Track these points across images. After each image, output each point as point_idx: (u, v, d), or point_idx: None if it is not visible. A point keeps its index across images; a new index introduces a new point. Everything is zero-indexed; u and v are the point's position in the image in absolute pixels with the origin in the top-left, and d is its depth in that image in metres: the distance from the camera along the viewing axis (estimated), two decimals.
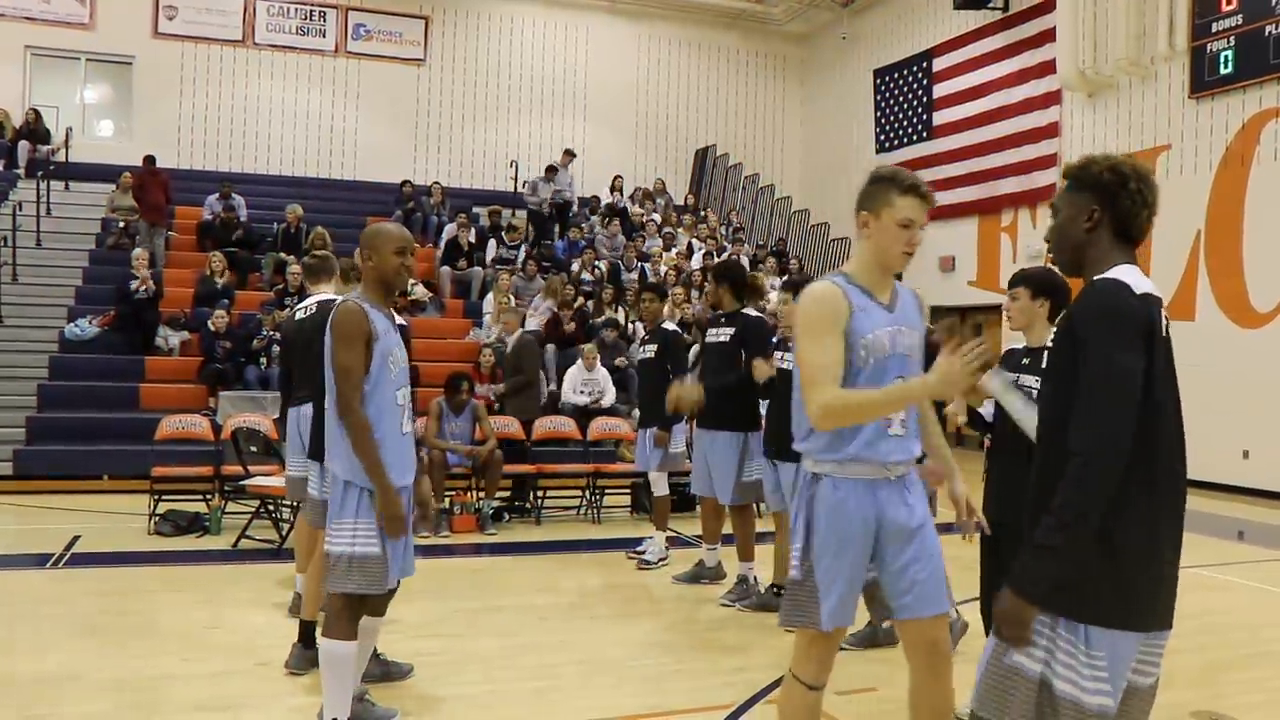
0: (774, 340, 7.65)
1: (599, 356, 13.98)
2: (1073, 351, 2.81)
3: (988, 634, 5.11)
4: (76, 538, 9.60)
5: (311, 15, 22.96)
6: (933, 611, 3.81)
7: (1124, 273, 2.87)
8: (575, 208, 21.28)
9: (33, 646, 6.25)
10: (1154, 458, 2.82)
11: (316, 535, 5.88)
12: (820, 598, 3.71)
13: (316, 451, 5.90)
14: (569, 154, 21.62)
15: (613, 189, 22.28)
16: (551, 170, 21.16)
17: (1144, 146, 16.54)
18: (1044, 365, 4.34)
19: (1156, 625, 2.89)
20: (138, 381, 14.16)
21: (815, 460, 3.76)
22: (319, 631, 4.82)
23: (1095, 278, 2.89)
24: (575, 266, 18.54)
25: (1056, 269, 5.37)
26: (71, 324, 14.90)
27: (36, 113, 20.20)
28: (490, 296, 16.54)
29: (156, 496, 10.22)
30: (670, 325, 9.34)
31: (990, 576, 5.09)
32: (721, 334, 8.10)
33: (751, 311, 8.19)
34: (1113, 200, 2.93)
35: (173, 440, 11.15)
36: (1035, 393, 4.79)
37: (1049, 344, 4.87)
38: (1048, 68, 18.37)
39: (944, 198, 20.78)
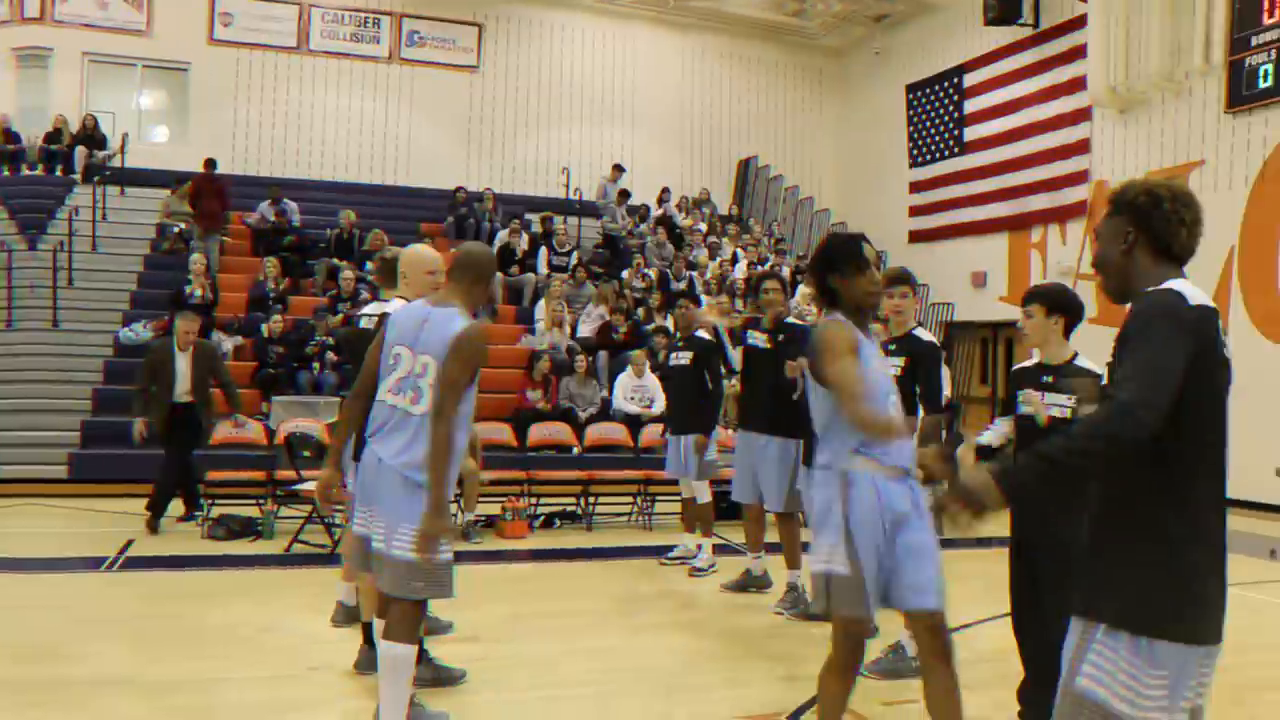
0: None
1: (649, 363, 13.98)
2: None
3: (1020, 652, 5.07)
4: (131, 541, 9.71)
5: (365, 22, 23.10)
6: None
7: (1176, 284, 2.87)
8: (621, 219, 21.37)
9: (87, 649, 6.30)
10: (1217, 474, 2.86)
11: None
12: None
13: None
14: (618, 168, 21.95)
15: (659, 200, 22.37)
16: (618, 169, 21.67)
17: (1176, 162, 16.28)
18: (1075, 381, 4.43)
19: (1215, 638, 2.86)
20: None
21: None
22: (379, 635, 4.81)
23: (1147, 289, 2.90)
24: (625, 274, 18.57)
25: (1071, 288, 5.40)
26: (126, 328, 15.06)
27: (94, 118, 20.46)
28: (542, 303, 16.58)
29: (210, 501, 10.32)
30: (704, 333, 9.31)
31: (1021, 594, 5.07)
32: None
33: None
34: (1146, 220, 2.95)
35: (226, 445, 11.24)
36: (1068, 410, 4.88)
37: (1069, 361, 4.89)
38: (1078, 84, 18.17)
39: (975, 213, 20.81)
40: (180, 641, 6.55)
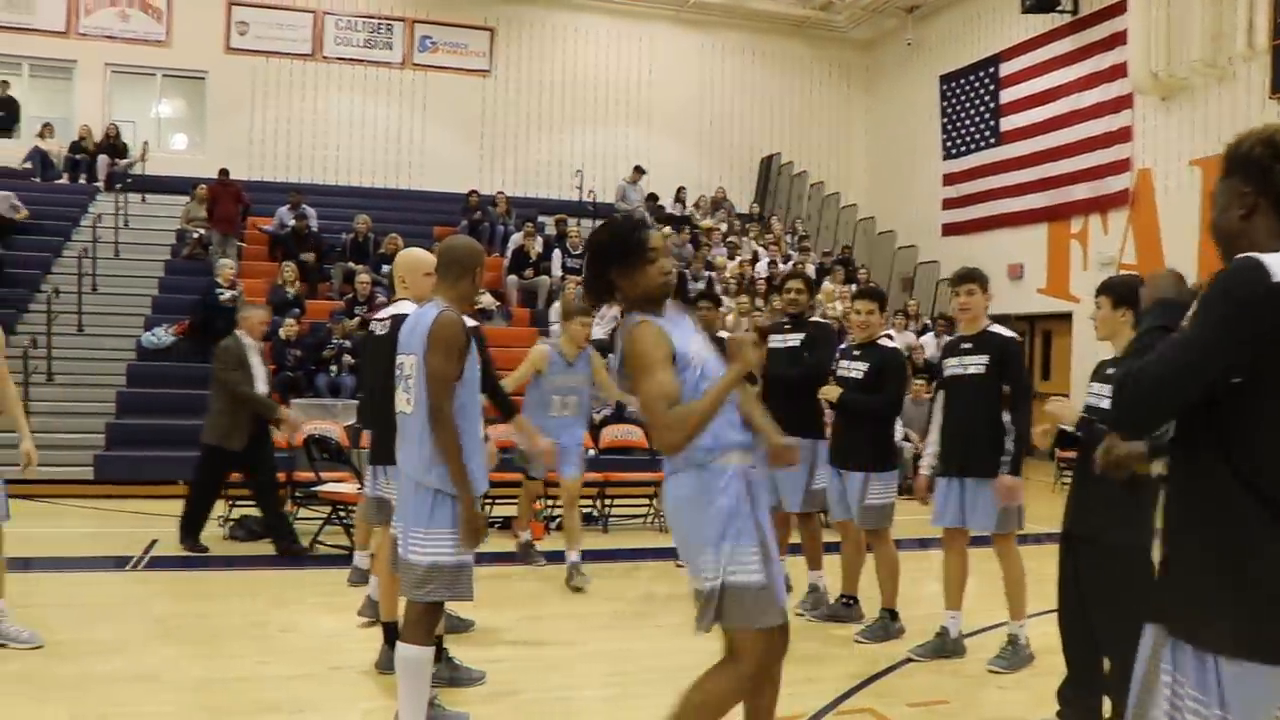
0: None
1: None
2: None
3: (1064, 651, 5.03)
4: (154, 541, 9.78)
5: (379, 28, 23.23)
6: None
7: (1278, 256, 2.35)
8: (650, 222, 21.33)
9: (112, 647, 6.39)
10: None
11: (382, 535, 5.99)
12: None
13: (379, 456, 5.98)
14: (639, 170, 21.88)
15: (676, 199, 22.37)
16: (639, 171, 21.61)
17: (1221, 150, 16.24)
18: None
19: None
20: None
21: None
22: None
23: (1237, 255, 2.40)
24: None
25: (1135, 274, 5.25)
26: (148, 332, 15.20)
27: (116, 128, 20.75)
28: (557, 305, 16.62)
29: (231, 502, 10.39)
30: (725, 334, 9.33)
31: (1067, 591, 5.03)
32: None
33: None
34: (1264, 176, 2.48)
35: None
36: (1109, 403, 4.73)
37: None
38: (1119, 71, 18.04)
39: (1012, 204, 20.59)
40: (203, 640, 6.63)
